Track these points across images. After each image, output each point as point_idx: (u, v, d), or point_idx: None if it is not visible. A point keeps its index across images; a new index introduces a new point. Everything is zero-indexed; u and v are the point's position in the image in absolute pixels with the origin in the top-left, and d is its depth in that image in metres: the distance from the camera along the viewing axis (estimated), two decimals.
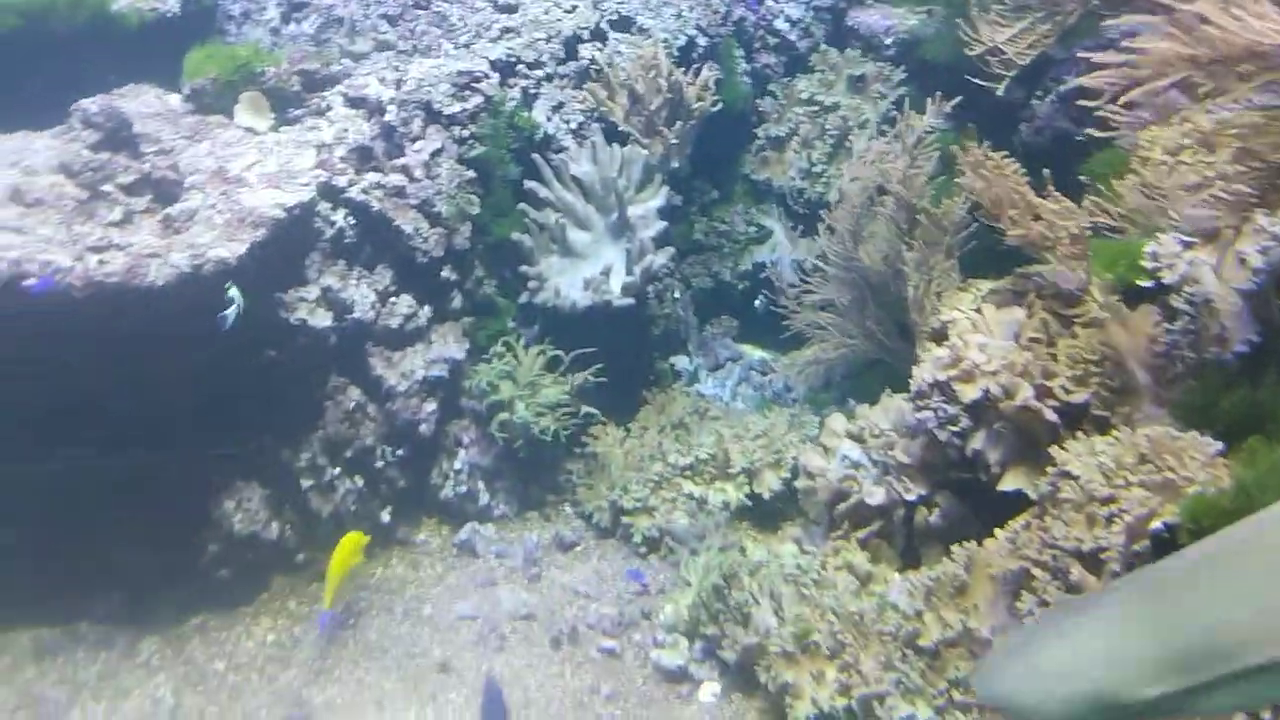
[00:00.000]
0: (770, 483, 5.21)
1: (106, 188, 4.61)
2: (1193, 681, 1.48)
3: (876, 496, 4.41)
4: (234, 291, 4.30)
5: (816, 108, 6.68)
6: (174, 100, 5.61)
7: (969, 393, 3.93)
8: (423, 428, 5.28)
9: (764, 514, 5.21)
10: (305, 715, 4.04)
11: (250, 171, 5.03)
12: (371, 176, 5.33)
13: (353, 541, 4.54)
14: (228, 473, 4.76)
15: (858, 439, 4.69)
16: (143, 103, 5.51)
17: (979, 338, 4.08)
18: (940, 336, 4.29)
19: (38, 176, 4.57)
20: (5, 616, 4.28)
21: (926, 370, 4.10)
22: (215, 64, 5.51)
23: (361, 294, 5.19)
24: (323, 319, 4.99)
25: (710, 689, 4.35)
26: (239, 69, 5.50)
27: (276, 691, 4.17)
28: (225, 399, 4.70)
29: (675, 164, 6.07)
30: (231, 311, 4.28)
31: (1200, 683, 1.48)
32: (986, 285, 4.45)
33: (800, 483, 4.90)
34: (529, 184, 5.70)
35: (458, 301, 5.61)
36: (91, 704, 4.03)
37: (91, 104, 4.87)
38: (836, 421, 4.86)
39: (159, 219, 4.66)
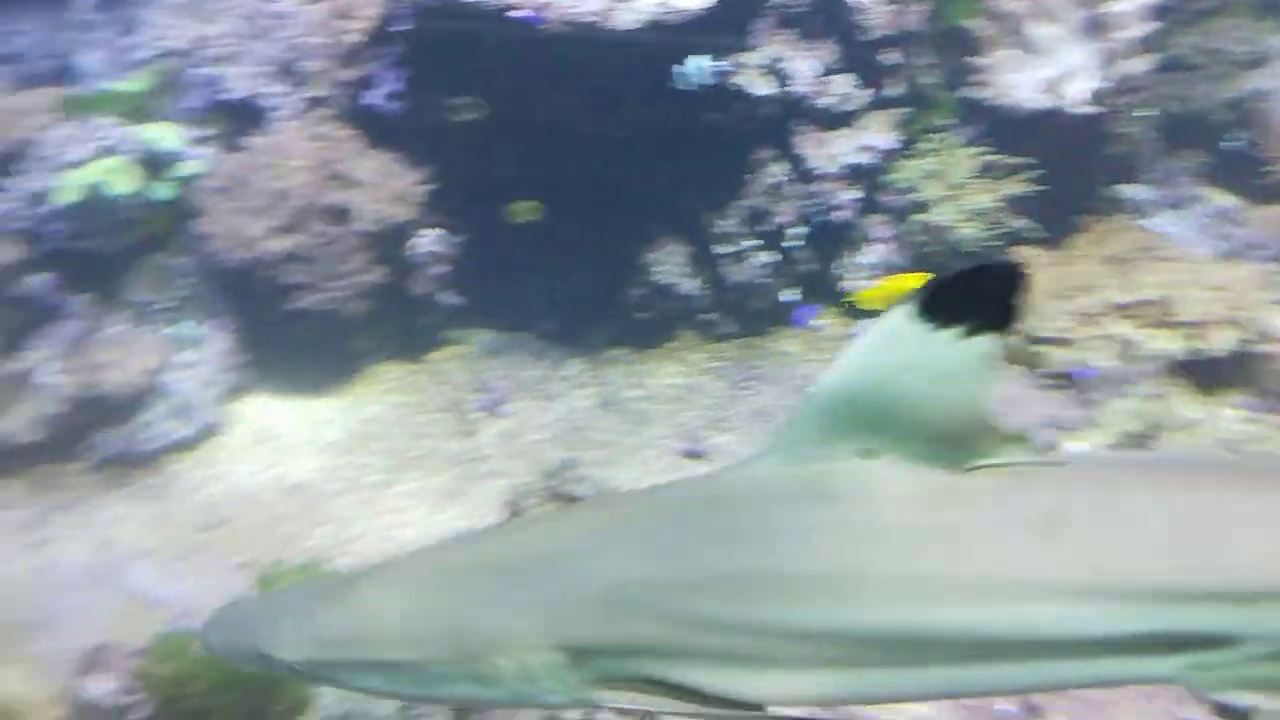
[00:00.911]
0: (1222, 341, 4.61)
1: None
2: (327, 657, 1.66)
3: None
4: (701, 62, 4.38)
5: None
6: None
7: None
8: (840, 214, 5.21)
9: (1206, 374, 4.65)
10: (703, 450, 4.33)
11: None
12: None
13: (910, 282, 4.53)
14: (656, 226, 5.03)
15: None
16: None
17: None
18: None
19: None
20: (470, 319, 4.93)
21: None
22: None
23: (804, 67, 5.09)
24: (763, 87, 4.97)
25: None
26: None
27: (677, 425, 4.49)
28: (662, 155, 4.90)
29: None
30: (693, 68, 4.37)
31: (336, 660, 1.67)
32: None
33: (1261, 347, 4.29)
34: None
35: (898, 88, 5.35)
36: (524, 399, 4.59)
37: None
38: None
39: None
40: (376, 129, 4.80)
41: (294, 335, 4.51)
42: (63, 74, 5.50)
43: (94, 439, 4.10)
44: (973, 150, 5.16)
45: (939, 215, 5.13)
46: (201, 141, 4.69)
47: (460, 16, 4.45)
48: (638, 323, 5.00)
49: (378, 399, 4.54)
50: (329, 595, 1.76)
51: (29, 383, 3.98)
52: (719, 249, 5.13)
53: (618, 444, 4.39)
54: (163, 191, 4.42)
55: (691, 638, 1.50)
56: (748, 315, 5.17)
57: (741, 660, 1.49)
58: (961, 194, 5.14)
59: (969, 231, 5.05)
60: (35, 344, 4.22)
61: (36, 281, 4.33)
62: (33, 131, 4.41)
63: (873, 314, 4.51)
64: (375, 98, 4.80)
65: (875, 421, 1.47)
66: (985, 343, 1.40)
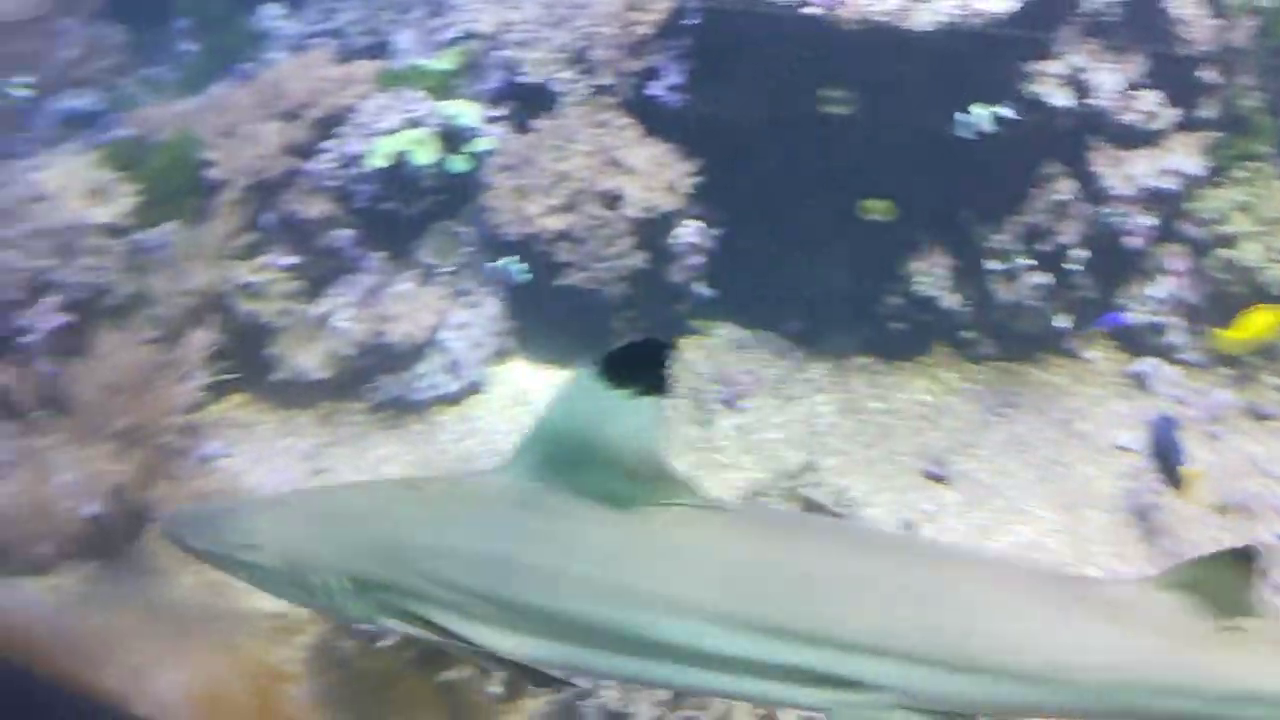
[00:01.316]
0: None
1: None
2: (219, 551, 2.07)
3: None
4: (982, 110, 4.27)
5: None
6: None
7: None
8: (1131, 241, 4.82)
9: None
10: (945, 474, 4.17)
11: None
12: None
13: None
14: (923, 233, 4.86)
15: None
16: None
17: None
18: None
19: None
20: (719, 311, 4.98)
21: None
22: None
23: (1109, 79, 4.74)
24: (1061, 98, 4.67)
25: None
26: None
27: (920, 445, 4.35)
28: (941, 160, 4.73)
29: None
30: (975, 116, 4.26)
31: (224, 554, 2.06)
32: None
33: None
34: None
35: (1212, 109, 4.87)
36: (764, 396, 4.60)
37: None
38: None
39: None
40: (655, 119, 4.93)
41: (555, 309, 4.74)
42: (378, 50, 6.05)
43: (375, 382, 4.50)
44: None
45: (1246, 252, 4.65)
46: (494, 120, 5.01)
47: (750, 11, 4.48)
48: (890, 333, 4.87)
49: None
50: (242, 508, 2.27)
51: (326, 326, 4.43)
52: (989, 264, 4.88)
53: (855, 454, 4.30)
54: (458, 164, 4.77)
55: (439, 592, 1.91)
56: (1012, 338, 4.89)
57: (476, 616, 1.90)
58: (1275, 230, 4.63)
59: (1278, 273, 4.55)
60: (335, 292, 4.67)
61: (343, 236, 4.80)
62: (353, 100, 4.88)
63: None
64: (657, 89, 4.93)
65: (577, 458, 1.84)
66: (651, 403, 1.78)
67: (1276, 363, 4.72)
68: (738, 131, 4.85)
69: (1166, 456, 4.04)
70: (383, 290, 4.52)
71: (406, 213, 4.77)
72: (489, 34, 5.30)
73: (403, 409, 4.51)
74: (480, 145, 4.81)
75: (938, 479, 4.19)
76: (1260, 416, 4.53)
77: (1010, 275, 4.86)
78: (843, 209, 4.79)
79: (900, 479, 4.19)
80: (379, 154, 4.62)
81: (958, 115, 4.45)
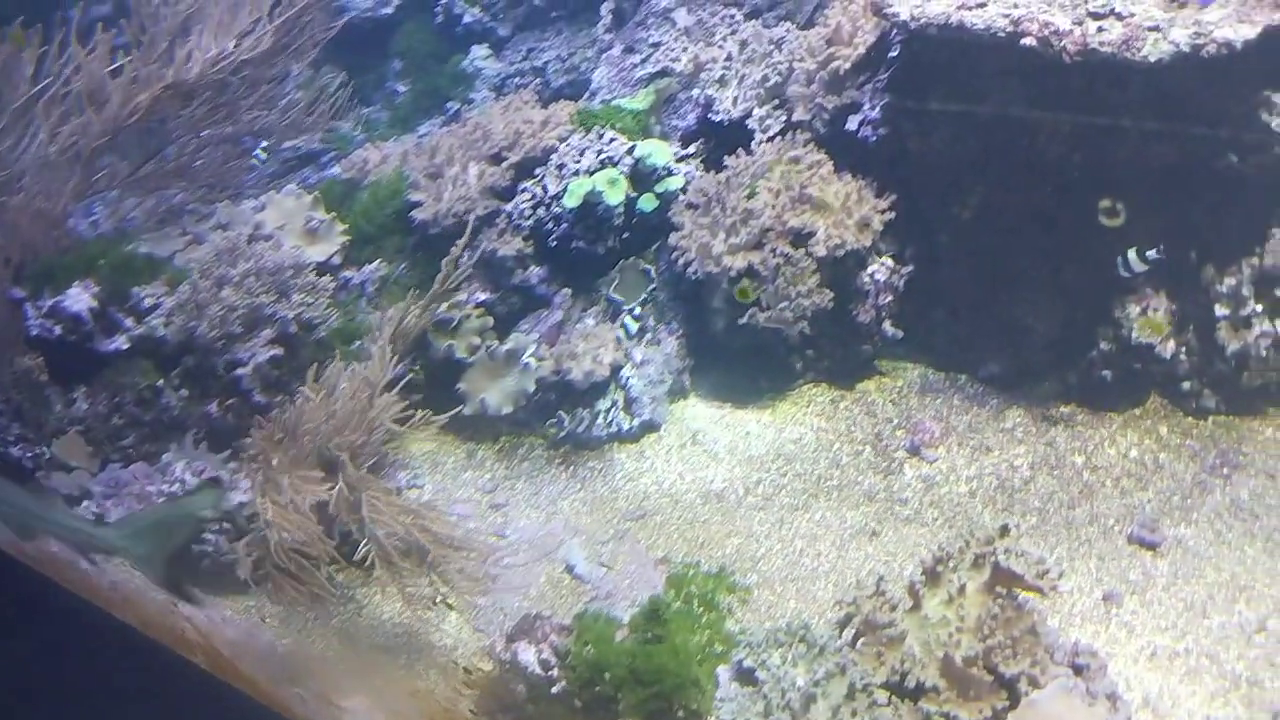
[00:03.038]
0: None
1: None
2: None
3: None
4: (1133, 254, 4.00)
5: None
6: None
7: None
8: None
9: None
10: (1156, 541, 3.83)
11: None
12: None
13: None
14: (1141, 276, 4.50)
15: None
16: None
17: None
18: None
19: None
20: (908, 351, 4.79)
21: None
22: None
23: None
24: None
25: None
26: None
27: (1128, 506, 4.01)
28: (1165, 197, 4.38)
29: None
30: (1131, 259, 4.00)
31: None
32: None
33: None
34: None
35: None
36: (954, 445, 4.38)
37: None
38: None
39: None
40: (851, 154, 4.82)
41: (736, 348, 4.70)
42: (579, 87, 6.22)
43: (556, 419, 4.59)
44: None
45: None
46: (686, 158, 5.04)
47: (964, 44, 4.31)
48: (1097, 381, 4.53)
49: (803, 420, 4.58)
50: None
51: (513, 362, 4.57)
52: (1217, 310, 4.47)
53: (1054, 515, 4.01)
54: (647, 203, 4.82)
55: None
56: (1237, 391, 4.44)
57: None
58: None
59: None
60: (524, 328, 4.81)
61: (535, 273, 4.94)
62: (553, 141, 5.03)
63: None
64: (855, 123, 4.83)
65: None
66: None
67: None
68: (939, 168, 4.68)
69: None
70: (569, 327, 4.64)
71: (595, 251, 4.87)
72: (684, 71, 5.35)
73: (580, 445, 4.58)
74: (671, 184, 4.84)
75: (1147, 546, 3.85)
76: None
77: (1240, 323, 4.43)
78: (1054, 246, 4.52)
79: (1103, 543, 3.88)
80: (572, 194, 4.74)
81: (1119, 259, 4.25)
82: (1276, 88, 4.26)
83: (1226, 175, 4.36)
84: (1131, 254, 4.25)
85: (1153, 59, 3.89)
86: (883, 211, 4.65)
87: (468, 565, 3.42)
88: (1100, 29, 3.97)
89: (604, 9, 6.64)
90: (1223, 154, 4.32)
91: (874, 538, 3.94)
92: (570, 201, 4.78)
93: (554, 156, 4.96)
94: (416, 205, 5.06)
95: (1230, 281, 4.45)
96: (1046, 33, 3.98)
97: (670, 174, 4.88)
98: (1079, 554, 3.84)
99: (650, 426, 4.59)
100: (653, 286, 4.78)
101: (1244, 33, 3.83)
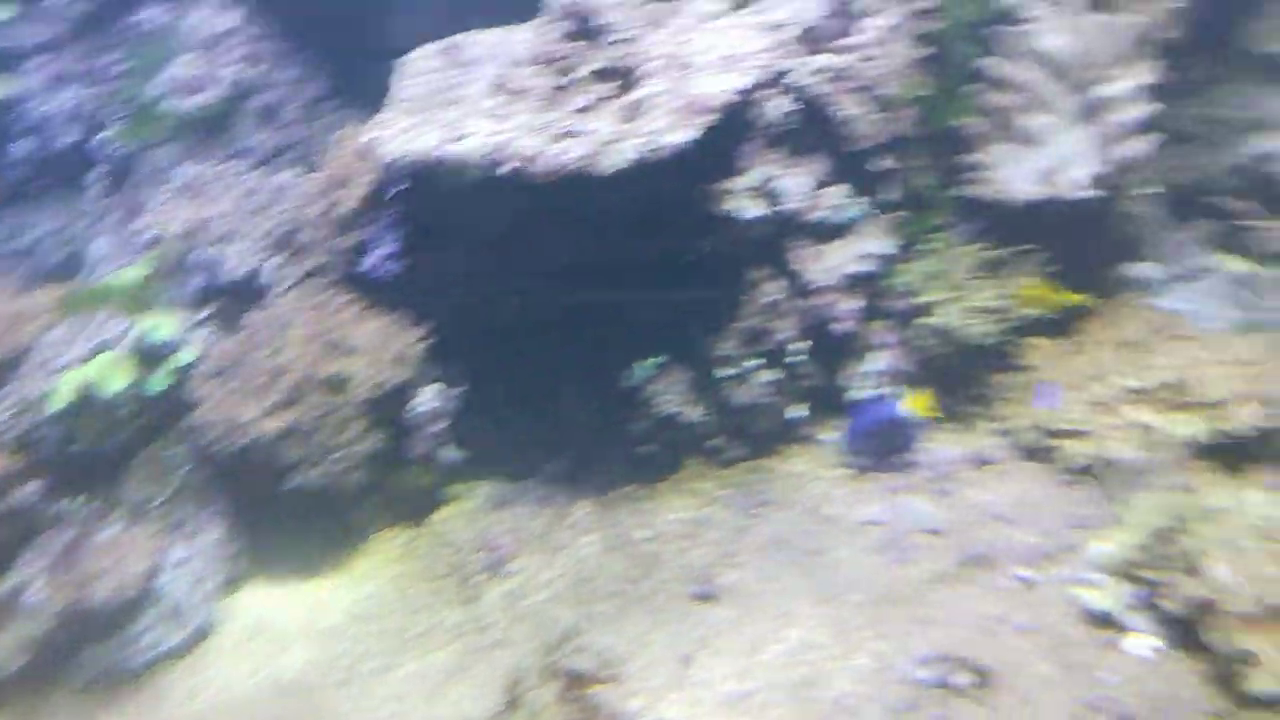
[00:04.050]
0: (1244, 418, 4.43)
1: (573, 77, 4.88)
2: None
3: None
4: (644, 363, 4.59)
5: None
6: None
7: None
8: (843, 325, 5.14)
9: (1229, 454, 4.45)
10: (713, 592, 4.23)
11: (703, 57, 5.03)
12: (819, 59, 5.11)
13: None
14: (656, 356, 5.01)
15: None
16: None
17: None
18: None
19: (516, 69, 4.95)
20: (472, 471, 4.92)
21: None
22: None
23: (796, 183, 5.09)
24: (756, 209, 4.97)
25: (1140, 641, 3.88)
26: None
27: (686, 565, 4.40)
28: (658, 284, 4.92)
29: (1172, 34, 5.13)
30: (638, 370, 4.58)
31: None
32: None
33: None
34: (986, 61, 5.15)
35: (893, 193, 5.32)
36: (532, 554, 4.54)
37: None
38: None
39: (617, 106, 4.87)
40: (375, 291, 4.90)
41: (291, 516, 4.54)
42: (74, 263, 5.74)
43: (81, 657, 4.08)
44: (974, 247, 5.09)
45: (944, 316, 5.04)
46: (199, 325, 4.83)
47: (451, 175, 4.55)
48: (643, 457, 4.96)
49: (377, 573, 4.52)
50: None
51: (17, 603, 4.03)
52: (721, 372, 5.10)
53: (629, 593, 4.30)
54: (159, 383, 4.53)
55: None
56: (754, 437, 5.10)
57: None
58: (966, 292, 5.06)
59: (977, 329, 4.95)
60: (26, 558, 4.24)
61: (29, 491, 4.39)
62: (31, 336, 4.56)
63: None
64: (372, 261, 4.91)
65: None
66: None
67: (992, 408, 5.12)
68: (460, 288, 4.89)
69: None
70: (83, 543, 4.18)
71: (103, 449, 4.47)
72: (185, 232, 5.13)
73: (118, 680, 4.10)
74: (184, 357, 4.60)
75: (707, 599, 4.25)
76: (983, 463, 4.88)
77: (741, 378, 5.09)
78: (580, 346, 4.90)
79: (673, 607, 4.21)
80: (61, 391, 4.32)
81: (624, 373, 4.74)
82: (725, 177, 4.98)
83: (707, 255, 5.01)
84: (638, 369, 4.68)
85: (614, 169, 4.38)
86: (418, 341, 4.77)
87: None
88: (565, 149, 4.40)
89: (94, 173, 6.22)
90: (696, 238, 4.96)
91: (464, 675, 3.95)
92: (57, 402, 4.34)
93: (33, 353, 4.50)
94: None
95: (727, 344, 5.10)
96: (521, 157, 4.34)
97: (183, 345, 4.64)
98: (655, 624, 4.14)
99: (203, 632, 4.23)
100: (184, 471, 4.49)
101: (682, 137, 4.44)
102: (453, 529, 4.69)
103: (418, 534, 4.69)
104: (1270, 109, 5.50)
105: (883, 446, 4.88)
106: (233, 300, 4.92)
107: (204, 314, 4.89)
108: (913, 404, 4.96)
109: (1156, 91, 5.11)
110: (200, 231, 5.12)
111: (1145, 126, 4.95)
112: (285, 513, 4.53)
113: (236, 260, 4.98)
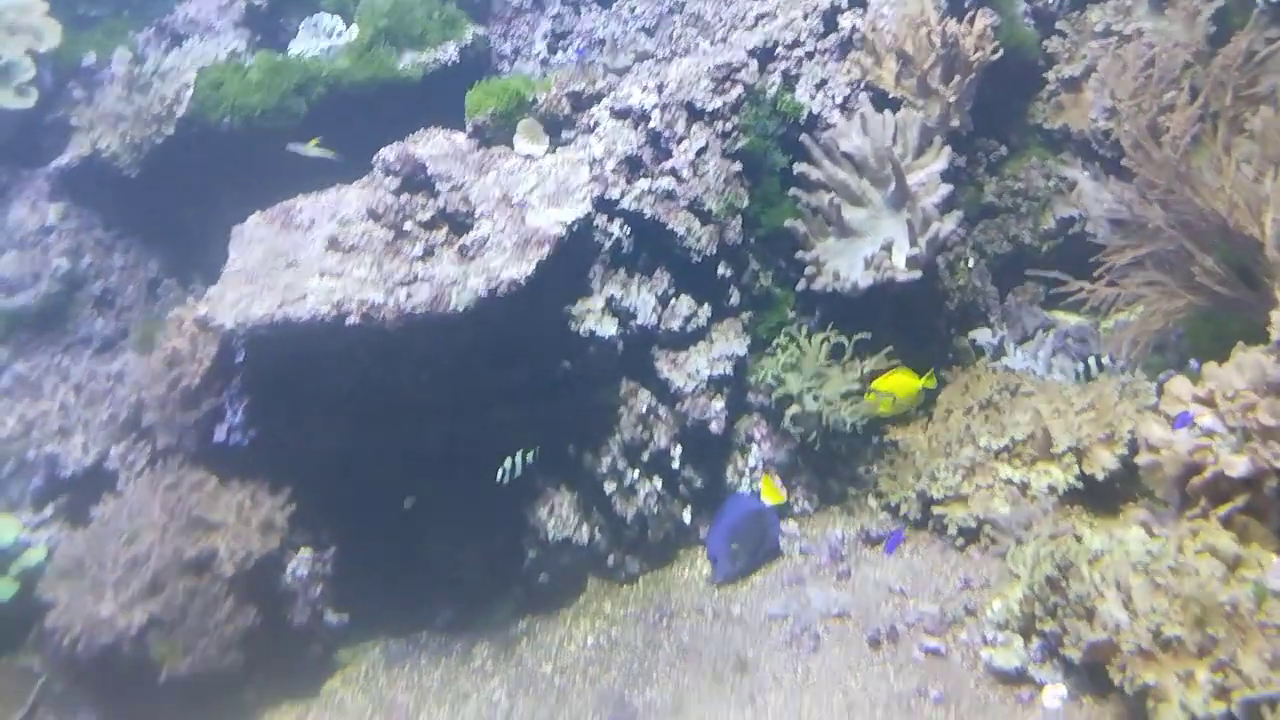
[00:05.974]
0: (1103, 461, 4.66)
1: (408, 226, 4.94)
2: None
3: (1239, 467, 3.79)
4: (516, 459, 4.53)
5: (1115, 39, 5.96)
6: (460, 139, 5.93)
7: None
8: (713, 426, 5.22)
9: (1099, 496, 4.66)
10: (629, 716, 4.07)
11: (532, 194, 5.20)
12: (641, 184, 5.37)
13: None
14: (537, 483, 4.94)
15: (1207, 403, 4.07)
16: (433, 145, 5.86)
17: None
18: None
19: (351, 225, 4.97)
20: (361, 632, 4.66)
21: None
22: (492, 98, 5.77)
23: (643, 300, 5.23)
24: (609, 327, 5.06)
25: (1054, 692, 3.92)
26: (513, 99, 5.72)
27: (600, 693, 4.24)
28: (527, 413, 4.89)
29: (955, 123, 5.63)
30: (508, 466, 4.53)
31: None
32: None
33: (1141, 458, 4.31)
34: (798, 167, 5.50)
35: (735, 297, 5.52)
36: (435, 709, 4.29)
37: (390, 152, 5.25)
38: (1179, 385, 4.23)
39: (456, 249, 4.93)
40: (232, 462, 4.68)
41: (173, 709, 4.17)
42: None
43: None
44: (821, 336, 5.28)
45: (809, 404, 5.17)
46: (44, 524, 4.49)
47: (296, 335, 4.44)
48: (540, 586, 4.81)
49: None
50: None
51: None
52: (608, 486, 5.05)
53: None
54: (5, 591, 4.16)
55: None
56: (649, 548, 5.04)
57: None
58: (824, 380, 5.21)
59: (841, 414, 5.09)
60: None
61: None
62: None
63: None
64: (224, 432, 4.71)
65: None
66: None
67: (869, 488, 5.23)
68: (319, 448, 4.72)
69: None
70: None
71: None
72: (15, 435, 4.82)
73: None
74: (31, 558, 4.25)
75: None
76: (872, 541, 4.94)
77: (628, 492, 5.05)
78: (454, 485, 4.77)
79: None
80: None
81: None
82: (574, 300, 5.05)
83: (572, 377, 5.03)
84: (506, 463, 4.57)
85: (462, 307, 4.39)
86: (283, 508, 4.55)
87: None
88: (409, 294, 4.39)
89: None
90: (559, 361, 4.98)
91: None
92: None
93: None
94: None
95: (607, 460, 5.08)
96: (366, 309, 4.30)
97: (26, 548, 4.29)
98: None
99: None
100: (42, 681, 4.09)
101: (524, 270, 4.51)
102: (348, 696, 4.40)
103: (310, 708, 4.37)
104: (1064, 175, 6.02)
105: (751, 542, 4.89)
106: (79, 493, 4.61)
107: (48, 512, 4.55)
108: (767, 493, 5.08)
109: (956, 173, 5.53)
110: (35, 429, 4.81)
111: (951, 205, 5.32)
112: (167, 707, 4.15)
113: (79, 452, 4.69)
